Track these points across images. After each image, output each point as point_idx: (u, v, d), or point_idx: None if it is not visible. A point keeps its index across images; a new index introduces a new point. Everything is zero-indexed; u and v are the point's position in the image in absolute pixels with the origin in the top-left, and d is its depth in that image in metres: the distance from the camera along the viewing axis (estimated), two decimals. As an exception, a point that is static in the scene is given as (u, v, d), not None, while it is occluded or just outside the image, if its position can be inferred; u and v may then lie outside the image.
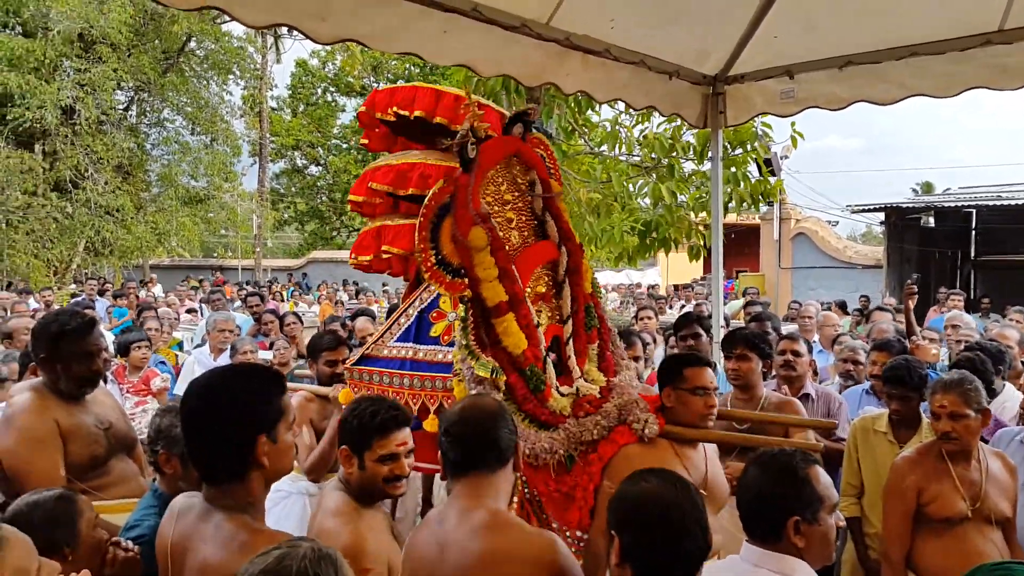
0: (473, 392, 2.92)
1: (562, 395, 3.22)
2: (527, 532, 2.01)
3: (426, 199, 3.13)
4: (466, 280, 3.12)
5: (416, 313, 3.73)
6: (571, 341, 3.46)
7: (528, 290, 3.33)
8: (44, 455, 2.97)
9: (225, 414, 1.88)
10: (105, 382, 5.52)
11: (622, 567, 1.82)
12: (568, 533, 2.98)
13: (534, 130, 3.57)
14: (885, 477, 3.79)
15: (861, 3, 4.43)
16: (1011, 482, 3.25)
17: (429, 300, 3.75)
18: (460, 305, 3.15)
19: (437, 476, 4.34)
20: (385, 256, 3.83)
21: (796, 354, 4.39)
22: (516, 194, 3.47)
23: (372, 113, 3.83)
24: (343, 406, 3.95)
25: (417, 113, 3.64)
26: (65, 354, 3.11)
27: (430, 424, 3.36)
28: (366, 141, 4.16)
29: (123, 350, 5.91)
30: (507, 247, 3.31)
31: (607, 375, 3.45)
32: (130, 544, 2.13)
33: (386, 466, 2.54)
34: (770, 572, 1.96)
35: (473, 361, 3.05)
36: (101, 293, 14.75)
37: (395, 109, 3.70)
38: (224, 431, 1.88)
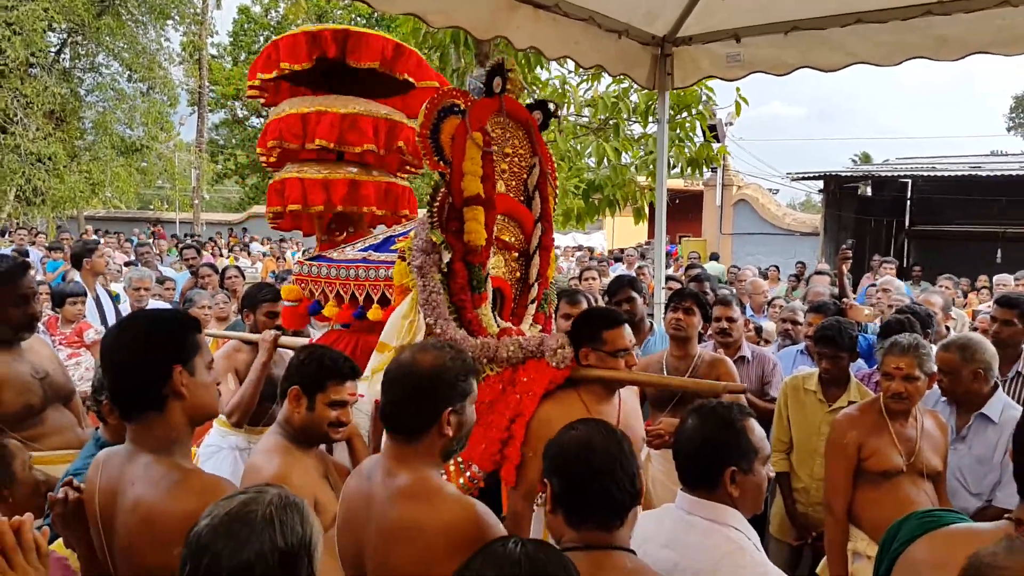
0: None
1: (494, 322, 3.31)
2: (447, 501, 1.93)
3: (437, 93, 3.23)
4: (449, 169, 3.19)
5: (384, 236, 3.87)
6: (527, 305, 3.58)
7: (496, 226, 3.40)
8: (-26, 403, 2.91)
9: (139, 344, 1.91)
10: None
11: (555, 513, 1.86)
12: (462, 464, 3.02)
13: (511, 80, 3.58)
14: (814, 434, 3.95)
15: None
16: (943, 439, 3.41)
17: (401, 231, 3.85)
18: (437, 177, 3.23)
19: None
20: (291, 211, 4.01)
21: (730, 320, 4.48)
22: (515, 158, 3.53)
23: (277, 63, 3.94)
24: (285, 303, 4.05)
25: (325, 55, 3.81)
26: None
27: (374, 313, 3.48)
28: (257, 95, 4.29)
29: (59, 301, 5.77)
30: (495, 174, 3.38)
31: None
32: (79, 484, 2.10)
33: (335, 411, 2.62)
34: (703, 519, 2.02)
35: (431, 230, 3.16)
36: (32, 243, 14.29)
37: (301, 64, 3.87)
38: (139, 361, 1.90)
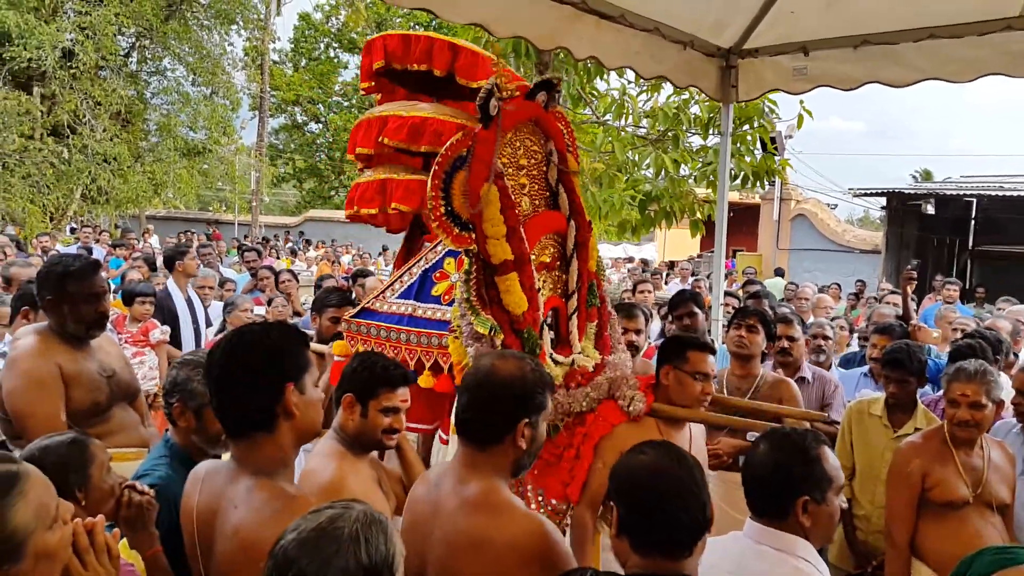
0: (493, 352, 2.87)
1: (556, 363, 3.22)
2: (516, 515, 1.92)
3: (442, 150, 3.07)
4: (473, 235, 3.07)
5: (420, 272, 3.73)
6: (575, 315, 3.46)
7: (533, 257, 3.30)
8: (45, 399, 2.97)
9: (254, 362, 1.86)
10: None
11: (620, 538, 1.82)
12: (542, 499, 3.00)
13: (559, 100, 3.51)
14: (877, 460, 3.84)
15: (882, -18, 4.38)
16: (1010, 470, 3.31)
17: (434, 260, 3.74)
18: (465, 259, 3.12)
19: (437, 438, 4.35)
20: (392, 212, 3.81)
21: (791, 339, 4.36)
22: (531, 161, 3.41)
23: (388, 63, 3.77)
24: (336, 359, 3.98)
25: (432, 69, 3.61)
26: (71, 295, 3.10)
27: (424, 380, 3.38)
28: (368, 86, 4.09)
29: (127, 300, 5.89)
30: (517, 211, 3.26)
31: (602, 354, 3.46)
32: (146, 488, 2.12)
33: (388, 418, 2.65)
34: (772, 549, 1.96)
35: (473, 317, 3.04)
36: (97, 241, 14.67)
37: (416, 66, 3.65)
38: (253, 379, 1.85)
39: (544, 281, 3.41)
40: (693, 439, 3.12)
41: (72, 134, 19.03)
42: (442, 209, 3.01)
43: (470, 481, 1.96)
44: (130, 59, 22.10)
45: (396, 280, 3.82)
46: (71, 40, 18.44)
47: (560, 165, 3.43)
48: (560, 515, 3.00)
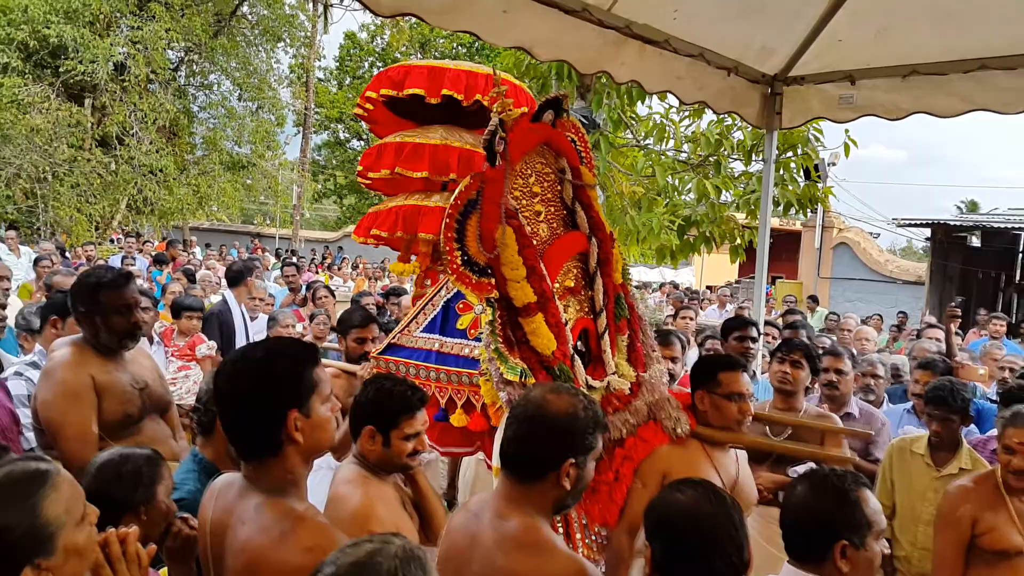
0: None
1: (591, 388, 3.16)
2: (555, 555, 1.88)
3: (452, 197, 3.05)
4: (493, 280, 3.03)
5: (443, 303, 3.69)
6: (605, 334, 3.40)
7: (556, 285, 3.26)
8: (77, 409, 2.99)
9: (254, 389, 1.85)
10: (151, 341, 5.63)
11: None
12: (586, 523, 2.94)
13: (569, 115, 3.45)
14: (919, 500, 3.73)
15: (933, 12, 4.31)
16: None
17: (455, 290, 3.71)
18: (488, 307, 3.06)
19: (464, 459, 4.32)
20: (408, 238, 3.89)
21: (840, 372, 4.22)
22: (544, 185, 3.37)
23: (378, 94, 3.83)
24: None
25: (416, 91, 3.63)
26: (103, 307, 3.12)
27: (457, 419, 3.33)
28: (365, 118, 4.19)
29: (176, 313, 5.93)
30: (536, 241, 3.23)
31: (636, 368, 3.38)
32: (195, 523, 2.12)
33: (410, 443, 2.61)
34: (810, 595, 1.90)
35: (502, 364, 2.97)
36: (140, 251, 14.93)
37: (412, 91, 3.68)
38: (254, 406, 1.84)
39: (569, 305, 3.36)
40: (739, 460, 3.04)
41: (120, 145, 19.42)
42: (459, 259, 2.98)
43: (510, 516, 1.92)
44: (179, 73, 22.55)
45: (419, 312, 3.80)
46: (123, 54, 18.89)
47: (574, 180, 3.38)
48: (605, 544, 2.93)
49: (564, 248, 3.36)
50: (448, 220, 2.97)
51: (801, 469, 3.55)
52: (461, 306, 3.46)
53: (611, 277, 3.48)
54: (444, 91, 3.63)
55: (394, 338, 3.69)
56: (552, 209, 3.39)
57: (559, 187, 3.41)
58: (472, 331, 3.36)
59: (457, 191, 3.03)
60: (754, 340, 4.44)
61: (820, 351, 4.36)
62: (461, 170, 3.77)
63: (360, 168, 4.04)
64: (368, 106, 3.99)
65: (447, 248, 2.97)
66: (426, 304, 3.73)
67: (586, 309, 3.43)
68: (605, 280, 3.44)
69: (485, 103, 3.61)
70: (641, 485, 2.83)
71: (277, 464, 1.87)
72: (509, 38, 3.72)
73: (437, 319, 3.59)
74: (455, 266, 2.98)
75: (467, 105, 3.69)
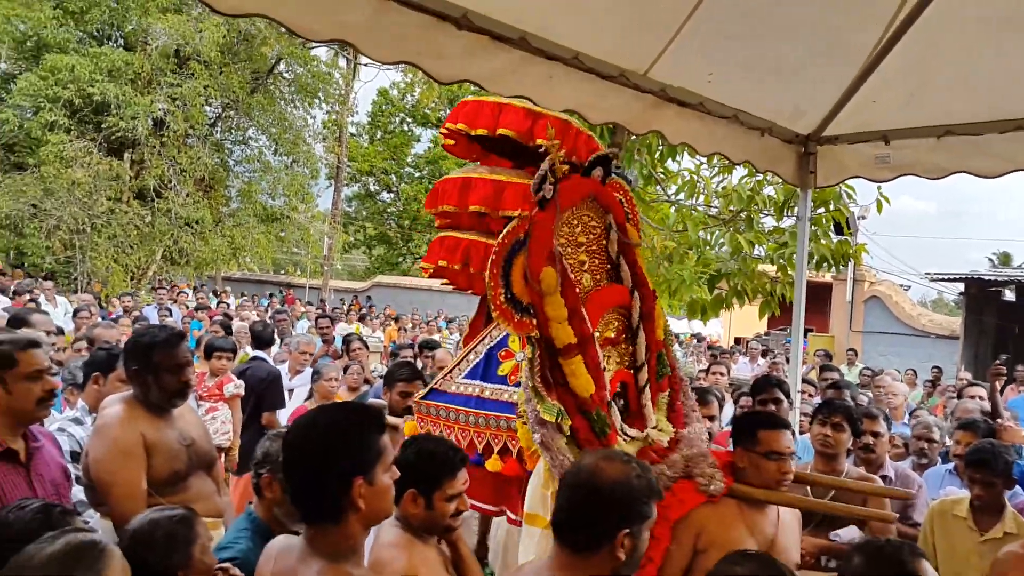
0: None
1: (628, 439, 3.16)
2: None
3: (500, 236, 3.10)
4: (535, 320, 3.06)
5: (485, 351, 3.74)
6: (646, 388, 3.40)
7: (597, 334, 3.28)
8: (128, 467, 3.03)
9: (322, 454, 1.86)
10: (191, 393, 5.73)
11: None
12: None
13: (615, 174, 3.53)
14: (962, 565, 3.65)
15: (965, 75, 4.33)
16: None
17: (499, 338, 3.75)
18: (528, 345, 3.09)
19: (495, 519, 4.31)
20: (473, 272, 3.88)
21: (876, 435, 4.20)
22: (590, 236, 3.41)
23: (466, 129, 3.85)
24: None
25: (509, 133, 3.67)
26: (156, 366, 3.18)
27: (492, 464, 3.36)
28: (450, 141, 4.15)
29: (207, 354, 6.02)
30: (578, 289, 3.26)
31: (676, 426, 3.38)
32: (238, 572, 2.14)
33: (453, 504, 2.60)
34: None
35: (539, 403, 2.99)
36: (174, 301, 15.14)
37: (504, 131, 3.72)
38: (320, 471, 1.86)
39: (609, 356, 3.38)
40: (781, 521, 2.99)
41: (157, 198, 19.86)
42: (503, 296, 3.01)
43: None
44: (216, 128, 23.10)
45: (463, 359, 3.84)
46: (163, 110, 19.41)
47: (621, 237, 3.42)
48: None
49: (606, 299, 3.39)
50: (495, 257, 3.02)
51: (843, 533, 3.51)
52: (503, 353, 3.51)
53: (654, 333, 3.50)
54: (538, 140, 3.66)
55: (436, 384, 3.73)
56: (596, 261, 3.44)
57: (604, 241, 3.46)
58: (512, 377, 3.40)
59: (505, 230, 3.08)
60: (779, 403, 4.38)
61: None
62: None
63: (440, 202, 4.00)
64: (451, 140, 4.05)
65: (492, 284, 3.00)
66: (469, 352, 3.78)
67: (626, 362, 3.45)
68: (648, 336, 3.46)
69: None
70: (676, 547, 2.80)
71: (337, 531, 1.88)
72: (559, 102, 3.76)
73: (479, 366, 3.65)
74: (499, 302, 3.01)
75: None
